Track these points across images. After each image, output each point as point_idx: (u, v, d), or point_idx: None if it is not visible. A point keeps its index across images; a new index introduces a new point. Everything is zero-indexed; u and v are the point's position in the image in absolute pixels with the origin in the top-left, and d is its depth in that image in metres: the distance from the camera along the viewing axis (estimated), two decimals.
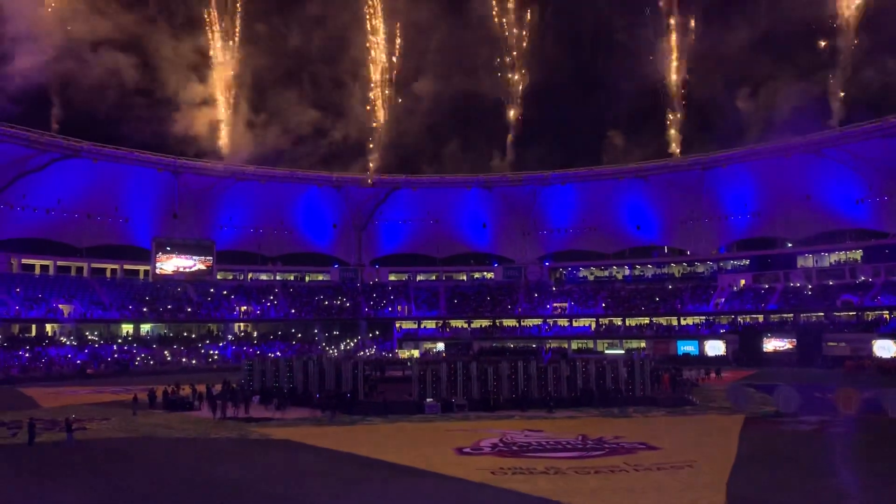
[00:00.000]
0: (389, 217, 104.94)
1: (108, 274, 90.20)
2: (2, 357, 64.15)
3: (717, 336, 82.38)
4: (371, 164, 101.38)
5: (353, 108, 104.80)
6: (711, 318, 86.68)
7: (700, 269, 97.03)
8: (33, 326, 74.85)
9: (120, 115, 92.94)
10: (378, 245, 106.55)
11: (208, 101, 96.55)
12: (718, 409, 39.05)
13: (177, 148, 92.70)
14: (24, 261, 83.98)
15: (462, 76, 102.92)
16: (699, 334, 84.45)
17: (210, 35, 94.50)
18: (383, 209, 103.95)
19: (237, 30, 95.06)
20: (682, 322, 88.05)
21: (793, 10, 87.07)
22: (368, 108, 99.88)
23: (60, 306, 76.95)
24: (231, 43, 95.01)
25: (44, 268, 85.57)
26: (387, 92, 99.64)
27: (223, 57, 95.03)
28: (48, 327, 75.82)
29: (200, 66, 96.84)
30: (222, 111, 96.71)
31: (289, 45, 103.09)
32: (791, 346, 75.26)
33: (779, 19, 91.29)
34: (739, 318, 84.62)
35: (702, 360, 76.24)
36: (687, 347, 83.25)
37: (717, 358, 77.08)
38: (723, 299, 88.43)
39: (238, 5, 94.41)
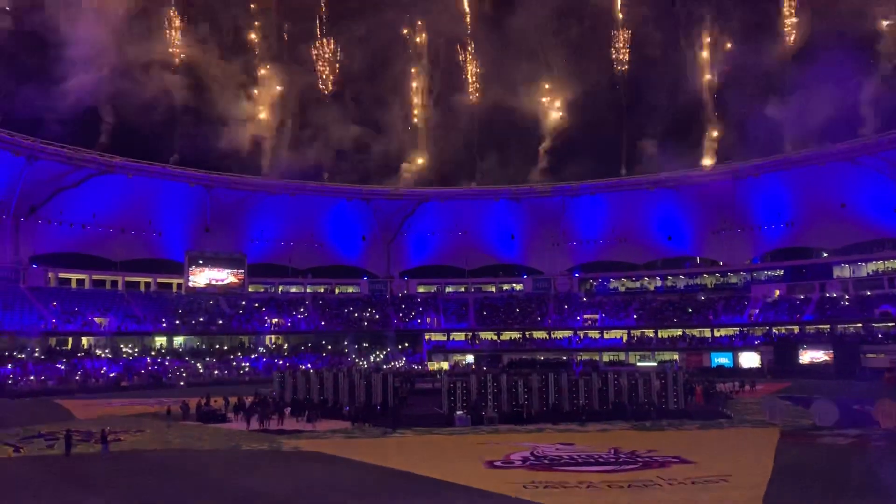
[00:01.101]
0: (418, 229, 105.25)
1: (142, 287, 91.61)
2: (39, 369, 65.31)
3: (751, 348, 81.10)
4: (401, 177, 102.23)
5: (392, 123, 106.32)
6: (745, 329, 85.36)
7: (733, 279, 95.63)
8: (69, 339, 76.17)
9: (167, 133, 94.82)
10: (407, 257, 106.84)
11: (253, 119, 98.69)
12: (753, 423, 38.38)
13: (223, 164, 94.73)
14: (60, 275, 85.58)
15: (500, 90, 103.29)
16: (733, 346, 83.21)
17: (256, 55, 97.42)
18: (412, 221, 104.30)
19: (280, 49, 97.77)
20: (716, 334, 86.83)
21: (825, 18, 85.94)
22: (406, 122, 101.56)
23: (96, 319, 78.24)
24: (275, 63, 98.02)
25: (80, 282, 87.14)
26: (423, 106, 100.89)
27: (268, 76, 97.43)
28: (84, 340, 77.08)
29: (247, 84, 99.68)
30: (266, 128, 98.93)
31: (332, 64, 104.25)
32: (828, 358, 73.83)
33: (812, 27, 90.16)
34: (774, 330, 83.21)
35: (736, 372, 75.07)
36: (721, 359, 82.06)
37: (751, 370, 75.87)
38: (757, 310, 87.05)
39: (283, 26, 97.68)
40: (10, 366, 64.14)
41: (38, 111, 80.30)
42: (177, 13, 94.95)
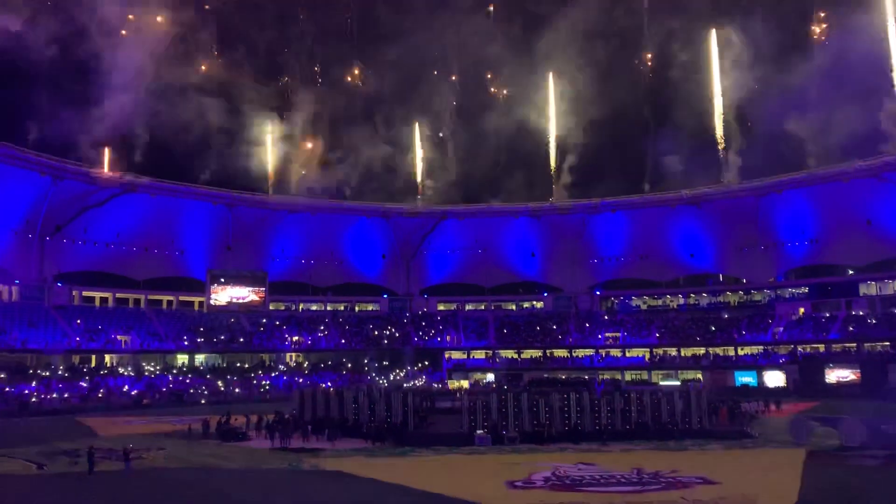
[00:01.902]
0: (437, 247, 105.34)
1: (165, 305, 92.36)
2: (63, 387, 65.87)
3: (776, 366, 79.90)
4: (423, 195, 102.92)
5: (417, 142, 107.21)
6: (770, 347, 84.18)
7: (757, 297, 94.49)
8: (93, 357, 76.83)
9: (194, 153, 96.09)
10: (426, 275, 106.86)
11: (280, 139, 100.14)
12: (779, 443, 37.73)
13: (246, 183, 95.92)
14: (84, 293, 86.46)
15: (523, 108, 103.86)
16: (757, 365, 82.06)
17: (288, 78, 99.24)
18: (431, 239, 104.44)
19: (311, 71, 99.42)
20: (740, 352, 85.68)
21: (846, 35, 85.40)
22: (431, 141, 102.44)
23: (119, 337, 78.88)
24: (305, 84, 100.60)
25: (103, 300, 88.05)
26: (449, 125, 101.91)
27: (297, 97, 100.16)
28: (107, 358, 77.73)
29: (276, 105, 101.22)
30: (291, 148, 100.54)
31: (361, 86, 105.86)
32: (855, 377, 72.48)
33: (831, 44, 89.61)
34: (799, 348, 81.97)
35: (761, 391, 73.85)
36: (745, 378, 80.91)
37: (776, 389, 74.65)
38: (781, 328, 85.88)
39: (315, 49, 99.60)
40: (34, 383, 64.76)
41: (70, 132, 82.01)
42: (213, 37, 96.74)
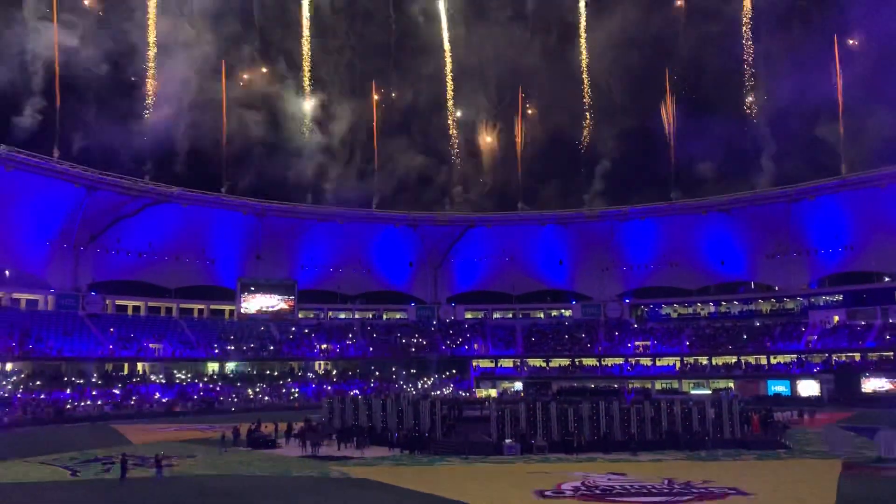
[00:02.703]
0: (465, 255, 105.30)
1: (196, 314, 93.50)
2: (97, 394, 66.89)
3: (810, 375, 78.58)
4: (452, 202, 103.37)
5: (451, 152, 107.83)
6: (803, 356, 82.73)
7: (789, 305, 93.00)
8: (125, 365, 77.96)
9: (226, 163, 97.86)
10: (454, 283, 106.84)
11: (313, 149, 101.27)
12: (814, 453, 37.06)
13: (277, 192, 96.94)
14: (117, 302, 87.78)
15: (556, 115, 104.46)
16: (790, 374, 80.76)
17: (328, 90, 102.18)
18: (458, 247, 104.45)
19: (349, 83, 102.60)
20: (772, 361, 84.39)
21: (881, 37, 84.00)
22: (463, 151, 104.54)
23: (151, 345, 79.98)
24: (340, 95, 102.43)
25: (136, 308, 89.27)
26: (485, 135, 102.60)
27: (338, 110, 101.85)
28: (139, 366, 78.82)
29: (320, 118, 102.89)
30: (325, 157, 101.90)
31: (397, 97, 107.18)
32: (892, 387, 71.07)
33: (867, 44, 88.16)
34: (834, 357, 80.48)
35: (794, 400, 72.72)
36: (778, 387, 79.67)
37: (810, 399, 73.40)
38: (815, 337, 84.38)
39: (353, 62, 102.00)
40: (68, 391, 65.85)
41: (110, 144, 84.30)
42: (256, 49, 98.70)
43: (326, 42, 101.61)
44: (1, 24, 77.73)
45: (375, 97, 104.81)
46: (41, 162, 73.82)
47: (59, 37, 79.78)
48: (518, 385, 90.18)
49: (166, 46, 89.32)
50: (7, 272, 77.78)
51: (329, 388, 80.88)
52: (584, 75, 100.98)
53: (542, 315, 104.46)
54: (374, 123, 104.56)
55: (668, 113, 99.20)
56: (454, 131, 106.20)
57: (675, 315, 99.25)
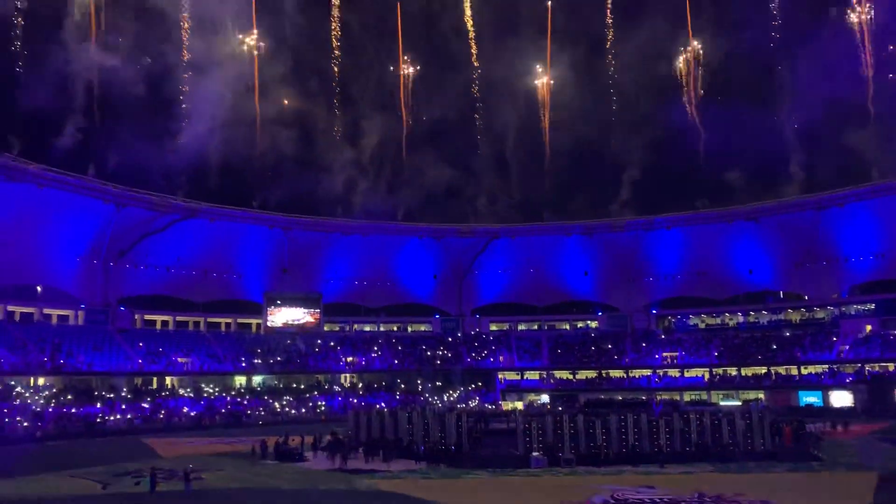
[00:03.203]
0: (489, 266, 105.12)
1: (223, 328, 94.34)
2: (126, 408, 67.64)
3: (842, 386, 77.13)
4: (476, 214, 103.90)
5: (479, 164, 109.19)
6: (835, 366, 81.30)
7: (820, 314, 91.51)
8: (154, 379, 78.78)
9: (254, 178, 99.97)
10: (478, 295, 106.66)
11: (339, 163, 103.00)
12: (848, 466, 36.35)
13: (303, 206, 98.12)
14: (146, 317, 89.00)
15: (585, 127, 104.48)
16: (822, 384, 79.37)
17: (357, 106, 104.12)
18: (482, 259, 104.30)
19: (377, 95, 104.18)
20: (803, 371, 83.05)
21: None
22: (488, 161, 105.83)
23: (179, 359, 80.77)
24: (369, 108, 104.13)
25: (164, 323, 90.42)
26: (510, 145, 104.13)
27: (367, 125, 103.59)
28: (168, 380, 79.60)
29: (351, 133, 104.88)
30: (351, 171, 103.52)
31: (427, 113, 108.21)
32: None
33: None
34: (867, 367, 78.97)
35: (826, 411, 71.41)
36: (809, 398, 78.35)
37: (843, 409, 72.00)
38: (847, 347, 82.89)
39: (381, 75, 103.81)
40: (99, 405, 66.66)
41: (143, 161, 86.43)
42: (289, 67, 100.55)
43: (357, 59, 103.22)
44: (42, 45, 79.78)
45: (403, 110, 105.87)
46: (72, 179, 75.22)
47: (97, 57, 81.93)
48: (544, 397, 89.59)
49: (201, 65, 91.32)
50: (39, 288, 79.26)
51: (355, 400, 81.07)
52: (610, 86, 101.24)
53: (567, 326, 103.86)
54: (404, 137, 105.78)
55: (692, 104, 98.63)
56: (481, 143, 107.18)
57: (702, 325, 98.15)
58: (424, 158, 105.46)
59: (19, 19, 79.47)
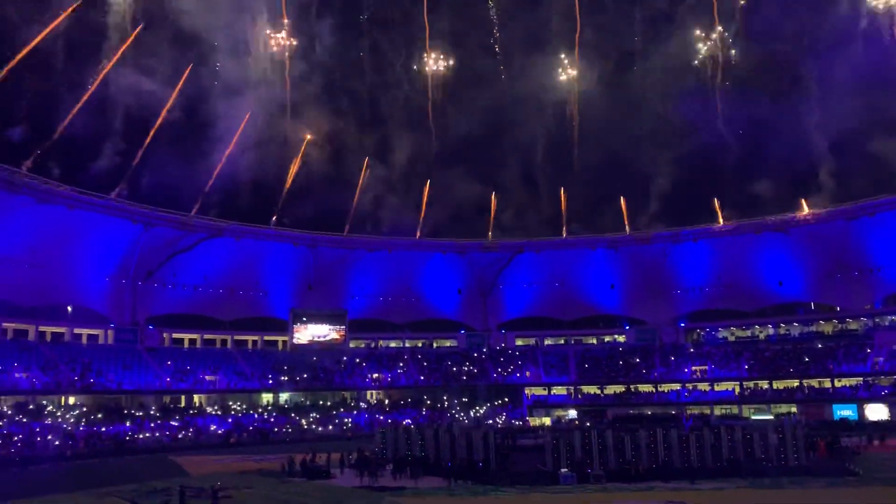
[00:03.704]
0: (514, 281, 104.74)
1: (250, 345, 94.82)
2: (155, 426, 68.13)
3: (878, 399, 75.50)
4: (494, 229, 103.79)
5: (506, 178, 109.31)
6: (870, 379, 79.57)
7: (853, 326, 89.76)
8: (182, 397, 79.32)
9: (300, 197, 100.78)
10: (503, 309, 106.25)
11: (367, 181, 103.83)
12: (886, 481, 35.47)
13: (329, 223, 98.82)
14: (174, 335, 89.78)
15: (612, 140, 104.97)
16: (857, 397, 77.72)
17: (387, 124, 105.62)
18: (507, 273, 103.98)
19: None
20: (837, 384, 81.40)
21: None
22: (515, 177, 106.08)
23: (206, 377, 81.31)
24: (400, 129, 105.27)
25: (191, 341, 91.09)
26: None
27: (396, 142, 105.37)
28: (195, 398, 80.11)
29: (381, 151, 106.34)
30: (378, 188, 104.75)
31: (456, 130, 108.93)
32: None
33: None
34: None
35: (862, 425, 69.88)
36: (844, 412, 76.75)
37: (879, 423, 70.43)
38: (882, 358, 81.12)
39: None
40: (128, 423, 67.23)
41: (172, 181, 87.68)
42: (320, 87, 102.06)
43: (385, 77, 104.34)
44: (79, 69, 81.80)
45: (432, 126, 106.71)
46: (100, 200, 76.46)
47: (135, 81, 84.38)
48: (572, 413, 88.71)
49: (235, 86, 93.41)
50: (69, 308, 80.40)
51: (381, 417, 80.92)
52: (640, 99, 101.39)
53: (594, 340, 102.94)
54: (433, 155, 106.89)
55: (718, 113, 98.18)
56: (508, 157, 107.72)
57: (732, 338, 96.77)
58: (451, 174, 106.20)
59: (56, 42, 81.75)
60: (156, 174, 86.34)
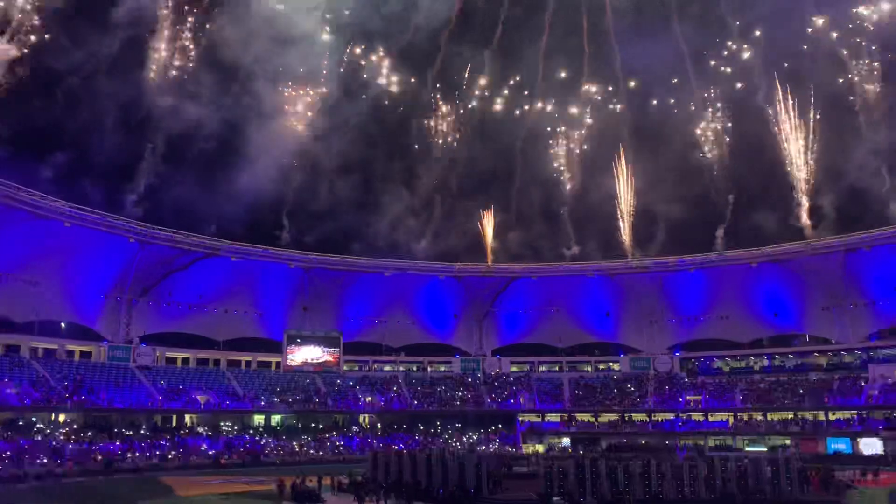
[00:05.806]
0: (509, 306, 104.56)
1: (243, 366, 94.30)
2: (145, 446, 67.48)
3: (872, 433, 75.16)
4: (491, 255, 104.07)
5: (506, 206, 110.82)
6: (864, 412, 79.28)
7: (847, 358, 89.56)
8: (174, 416, 78.70)
9: (292, 217, 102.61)
10: (498, 335, 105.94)
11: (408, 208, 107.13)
12: None
13: (325, 246, 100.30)
14: (167, 354, 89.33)
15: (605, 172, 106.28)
16: (851, 430, 77.35)
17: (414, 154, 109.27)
18: (503, 298, 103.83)
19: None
20: (831, 417, 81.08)
21: None
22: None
23: (198, 397, 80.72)
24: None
25: (185, 360, 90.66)
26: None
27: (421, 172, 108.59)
28: (187, 417, 79.49)
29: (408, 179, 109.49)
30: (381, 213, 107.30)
31: (477, 159, 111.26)
32: None
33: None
34: None
35: (856, 458, 69.54)
36: (838, 445, 76.35)
37: (873, 457, 70.07)
38: (876, 392, 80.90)
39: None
40: (118, 442, 66.58)
41: (188, 200, 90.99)
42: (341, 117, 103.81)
43: (395, 108, 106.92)
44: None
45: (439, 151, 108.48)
46: (97, 217, 76.41)
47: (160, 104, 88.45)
48: (566, 440, 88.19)
49: (257, 113, 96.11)
50: (63, 324, 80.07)
51: (374, 441, 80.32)
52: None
53: (589, 368, 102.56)
54: (453, 183, 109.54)
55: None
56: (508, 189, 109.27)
57: (727, 369, 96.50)
58: (456, 202, 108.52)
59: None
60: (161, 194, 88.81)
